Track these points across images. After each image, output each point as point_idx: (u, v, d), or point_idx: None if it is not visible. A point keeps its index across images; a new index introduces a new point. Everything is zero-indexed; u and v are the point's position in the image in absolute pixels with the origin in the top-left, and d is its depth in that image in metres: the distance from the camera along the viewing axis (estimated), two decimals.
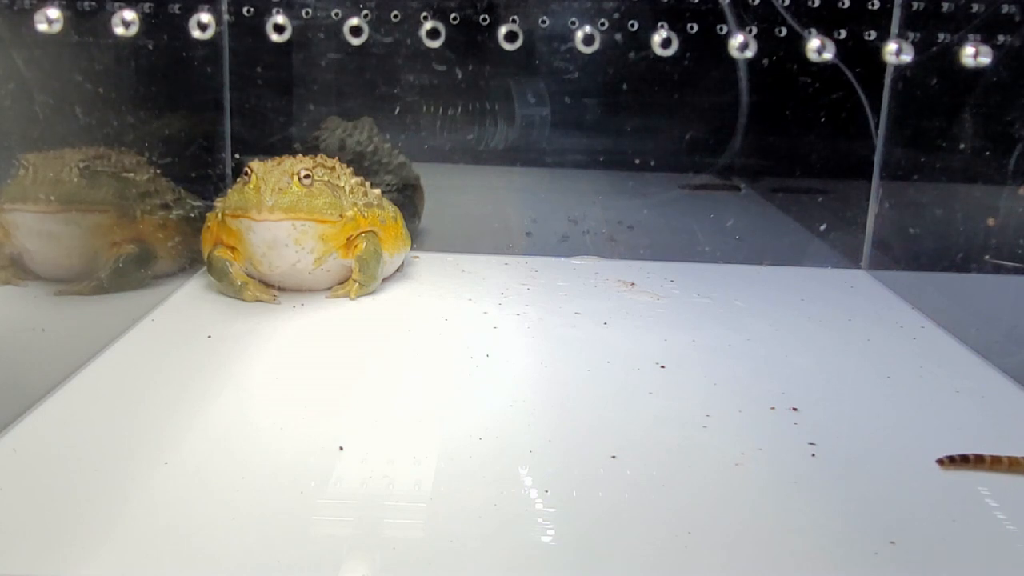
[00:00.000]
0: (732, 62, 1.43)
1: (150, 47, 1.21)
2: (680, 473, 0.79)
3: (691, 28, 1.35)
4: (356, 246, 1.21)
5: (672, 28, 1.30)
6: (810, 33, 1.31)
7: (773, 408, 0.93)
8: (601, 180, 1.57)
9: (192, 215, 1.27)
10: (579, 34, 1.31)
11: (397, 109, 1.50)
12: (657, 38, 1.28)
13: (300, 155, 1.22)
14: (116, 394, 0.92)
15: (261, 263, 1.18)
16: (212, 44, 1.36)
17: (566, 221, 1.55)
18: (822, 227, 1.51)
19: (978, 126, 1.27)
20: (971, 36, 1.18)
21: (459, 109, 1.51)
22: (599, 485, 0.77)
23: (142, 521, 0.69)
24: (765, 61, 1.39)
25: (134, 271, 1.16)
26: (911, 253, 1.41)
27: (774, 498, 0.76)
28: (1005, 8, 1.18)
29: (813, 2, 1.35)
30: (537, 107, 1.52)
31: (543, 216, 1.58)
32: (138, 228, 1.18)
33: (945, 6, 1.28)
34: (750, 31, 1.34)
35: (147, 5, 1.22)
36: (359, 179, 1.26)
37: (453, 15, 1.37)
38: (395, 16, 1.38)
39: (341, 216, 1.18)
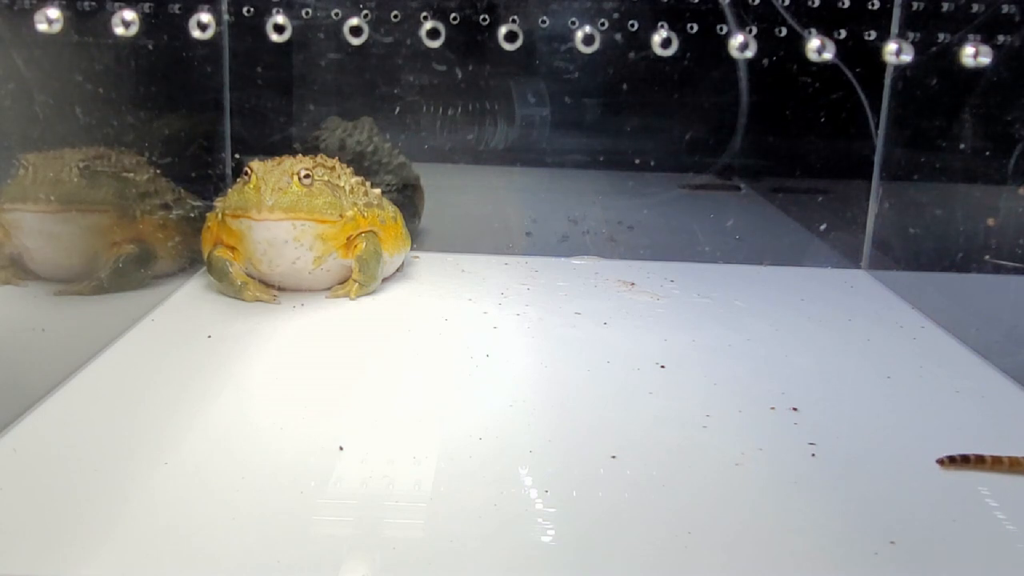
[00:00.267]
0: (732, 62, 1.43)
1: (150, 47, 1.21)
2: (680, 473, 0.79)
3: (691, 28, 1.35)
4: (356, 246, 1.21)
5: (672, 28, 1.30)
6: (810, 33, 1.31)
7: (773, 408, 0.93)
8: (601, 180, 1.57)
9: (192, 215, 1.27)
10: (579, 34, 1.31)
11: (397, 109, 1.50)
12: (657, 38, 1.28)
13: (300, 155, 1.22)
14: (116, 394, 0.92)
15: (261, 263, 1.18)
16: (212, 44, 1.36)
17: (566, 221, 1.55)
18: (822, 227, 1.51)
19: (978, 126, 1.27)
20: (971, 36, 1.18)
21: (459, 109, 1.51)
22: (599, 485, 0.77)
23: (142, 521, 0.69)
24: (765, 61, 1.40)
25: (134, 271, 1.16)
26: (911, 253, 1.41)
27: (774, 498, 0.76)
28: (1005, 8, 1.18)
29: (813, 2, 1.35)
30: (537, 107, 1.52)
31: (543, 216, 1.58)
32: (138, 228, 1.18)
33: (945, 6, 1.28)
34: (750, 31, 1.34)
35: (147, 5, 1.22)
36: (359, 179, 1.26)
37: (453, 15, 1.37)
38: (395, 16, 1.38)
39: (341, 216, 1.18)
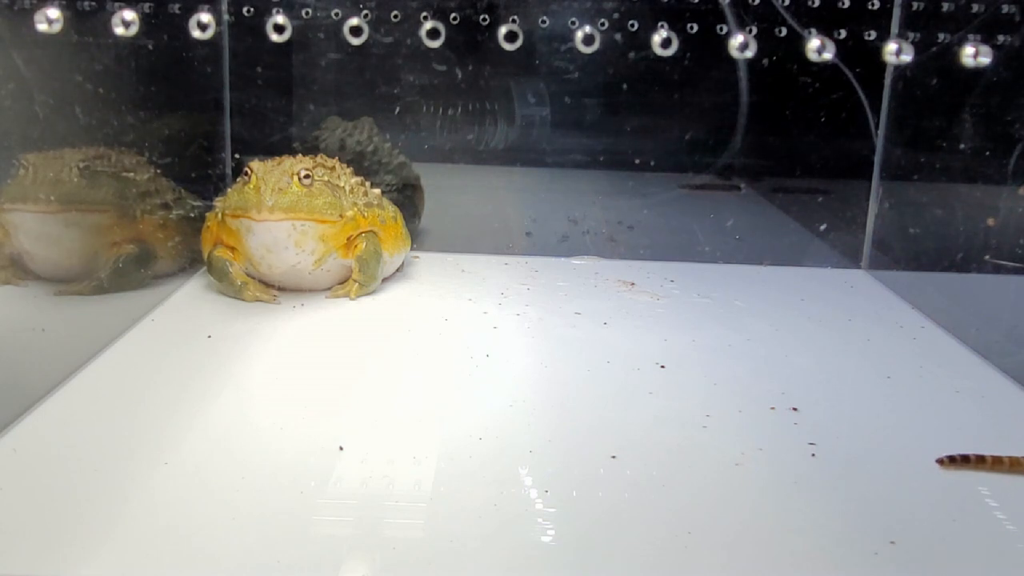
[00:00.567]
0: (732, 62, 1.43)
1: (150, 47, 1.21)
2: (680, 473, 0.79)
3: (691, 28, 1.35)
4: (356, 246, 1.21)
5: (672, 28, 1.30)
6: (810, 33, 1.31)
7: (773, 408, 0.93)
8: (601, 180, 1.57)
9: (192, 215, 1.27)
10: (579, 34, 1.31)
11: (397, 109, 1.50)
12: (657, 38, 1.28)
13: (300, 155, 1.22)
14: (116, 394, 0.92)
15: (261, 263, 1.18)
16: (212, 44, 1.36)
17: (566, 221, 1.55)
18: (822, 227, 1.51)
19: (978, 126, 1.27)
20: (971, 36, 1.18)
21: (459, 109, 1.51)
22: (599, 485, 0.77)
23: (142, 521, 0.69)
24: (765, 61, 1.40)
25: (134, 271, 1.16)
26: (911, 253, 1.41)
27: (774, 498, 0.76)
28: (1005, 8, 1.18)
29: (813, 2, 1.35)
30: (537, 107, 1.52)
31: (543, 216, 1.58)
32: (138, 228, 1.18)
33: (945, 6, 1.28)
34: (750, 31, 1.34)
35: (147, 5, 1.22)
36: (359, 179, 1.26)
37: (453, 15, 1.37)
38: (395, 16, 1.38)
39: (341, 216, 1.18)
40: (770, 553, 0.68)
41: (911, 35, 1.33)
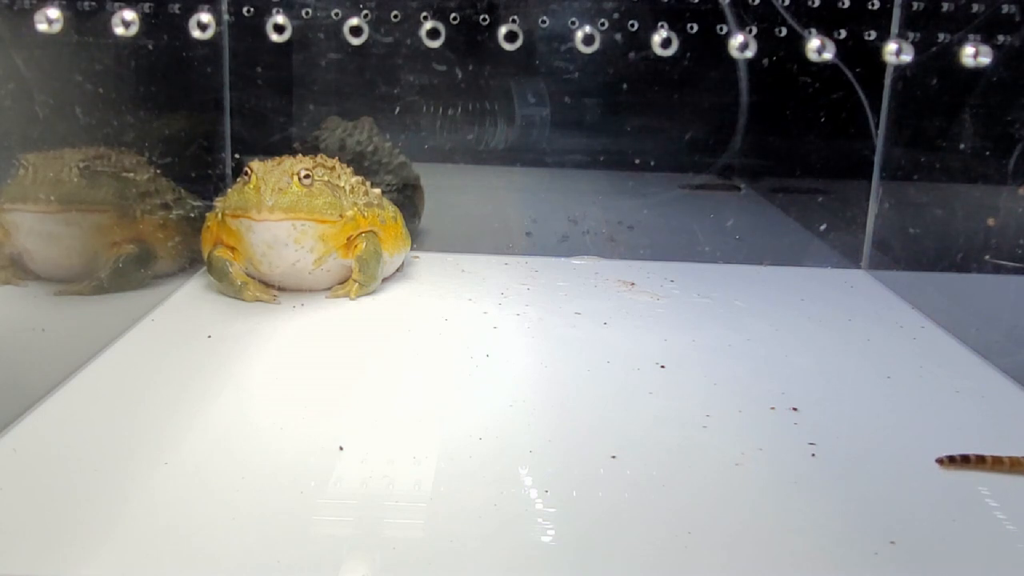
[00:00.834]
0: (732, 62, 1.43)
1: (150, 47, 1.21)
2: (680, 473, 0.79)
3: (691, 28, 1.35)
4: (356, 246, 1.21)
5: (672, 28, 1.30)
6: (810, 33, 1.31)
7: (773, 408, 0.93)
8: (601, 180, 1.57)
9: (192, 215, 1.27)
10: (579, 34, 1.31)
11: (397, 109, 1.50)
12: (657, 38, 1.28)
13: (300, 155, 1.22)
14: (116, 394, 0.92)
15: (261, 263, 1.18)
16: (212, 44, 1.36)
17: (566, 221, 1.55)
18: (822, 227, 1.51)
19: (978, 126, 1.27)
20: (971, 36, 1.18)
21: (459, 109, 1.51)
22: (599, 485, 0.77)
23: (142, 521, 0.69)
24: (765, 61, 1.39)
25: (134, 271, 1.16)
26: (911, 253, 1.41)
27: (774, 498, 0.76)
28: (1005, 8, 1.18)
29: (813, 2, 1.35)
30: (537, 107, 1.52)
31: (543, 216, 1.58)
32: (138, 228, 1.18)
33: (945, 6, 1.28)
34: (750, 31, 1.34)
35: (147, 5, 1.22)
36: (359, 179, 1.26)
37: (453, 15, 1.37)
38: (395, 16, 1.38)
39: (341, 216, 1.18)
40: (770, 553, 0.68)
41: (911, 35, 1.33)
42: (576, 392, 0.96)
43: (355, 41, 1.34)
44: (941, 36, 1.27)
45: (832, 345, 1.13)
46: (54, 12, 1.01)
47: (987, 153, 1.25)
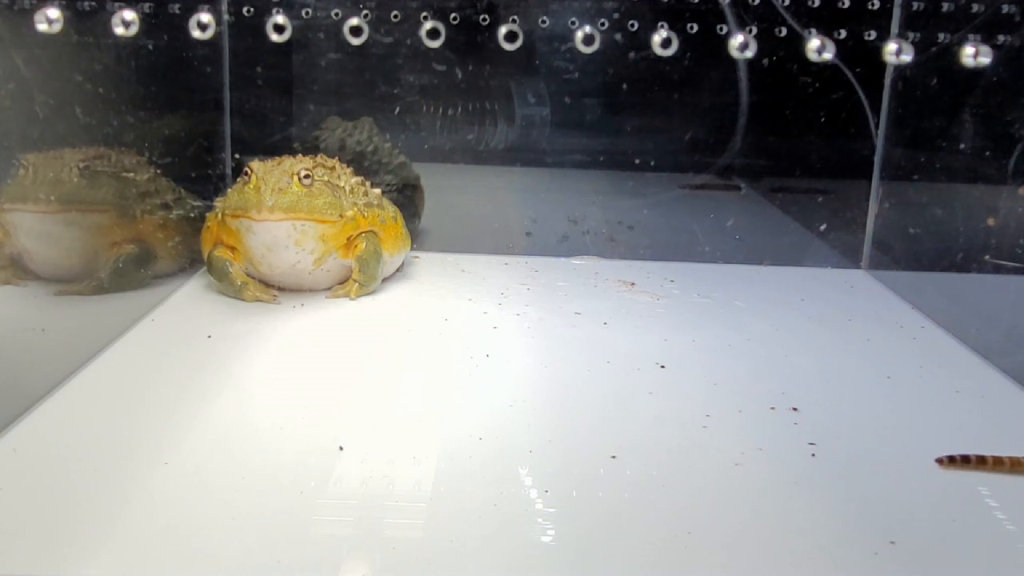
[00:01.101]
0: (732, 62, 1.43)
1: (150, 47, 1.21)
2: (680, 473, 0.79)
3: (691, 28, 1.35)
4: (356, 246, 1.21)
5: (672, 28, 1.30)
6: (810, 33, 1.31)
7: (773, 408, 0.93)
8: (601, 180, 1.57)
9: (192, 215, 1.27)
10: (579, 34, 1.31)
11: (397, 109, 1.50)
12: (657, 38, 1.28)
13: (300, 155, 1.22)
14: (116, 394, 0.92)
15: (261, 263, 1.18)
16: (212, 44, 1.36)
17: (566, 221, 1.55)
18: (822, 227, 1.51)
19: (978, 126, 1.27)
20: (971, 36, 1.18)
21: (459, 109, 1.51)
22: (599, 485, 0.77)
23: (142, 521, 0.69)
24: (765, 61, 1.39)
25: (134, 271, 1.16)
26: (911, 253, 1.41)
27: (774, 498, 0.76)
28: (1005, 8, 1.18)
29: (813, 2, 1.35)
30: (537, 107, 1.52)
31: (543, 216, 1.58)
32: (138, 228, 1.18)
33: (945, 6, 1.28)
34: (750, 31, 1.34)
35: (147, 5, 1.22)
36: (359, 179, 1.26)
37: (453, 15, 1.37)
38: (395, 16, 1.38)
39: (341, 216, 1.18)
40: (770, 553, 0.68)
41: (911, 35, 1.33)
42: (576, 392, 0.96)
43: (355, 41, 1.34)
44: (941, 36, 1.27)
45: (832, 345, 1.13)
46: (54, 12, 1.01)
47: (987, 153, 1.25)
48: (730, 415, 0.91)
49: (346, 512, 0.71)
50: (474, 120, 1.52)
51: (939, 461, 0.82)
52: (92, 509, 0.70)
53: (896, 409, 0.95)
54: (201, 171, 1.41)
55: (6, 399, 0.85)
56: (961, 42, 1.16)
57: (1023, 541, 0.71)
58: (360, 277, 1.22)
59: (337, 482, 0.76)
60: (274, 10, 1.33)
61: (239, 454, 0.79)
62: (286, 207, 1.13)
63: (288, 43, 1.37)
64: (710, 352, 1.08)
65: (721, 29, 1.35)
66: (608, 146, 1.54)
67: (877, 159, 1.45)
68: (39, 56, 1.04)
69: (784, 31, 1.35)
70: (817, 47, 1.19)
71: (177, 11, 1.24)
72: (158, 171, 1.24)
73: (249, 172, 1.15)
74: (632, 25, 1.37)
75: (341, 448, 0.81)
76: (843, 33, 1.35)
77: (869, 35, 1.36)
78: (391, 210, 1.31)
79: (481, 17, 1.37)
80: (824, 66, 1.35)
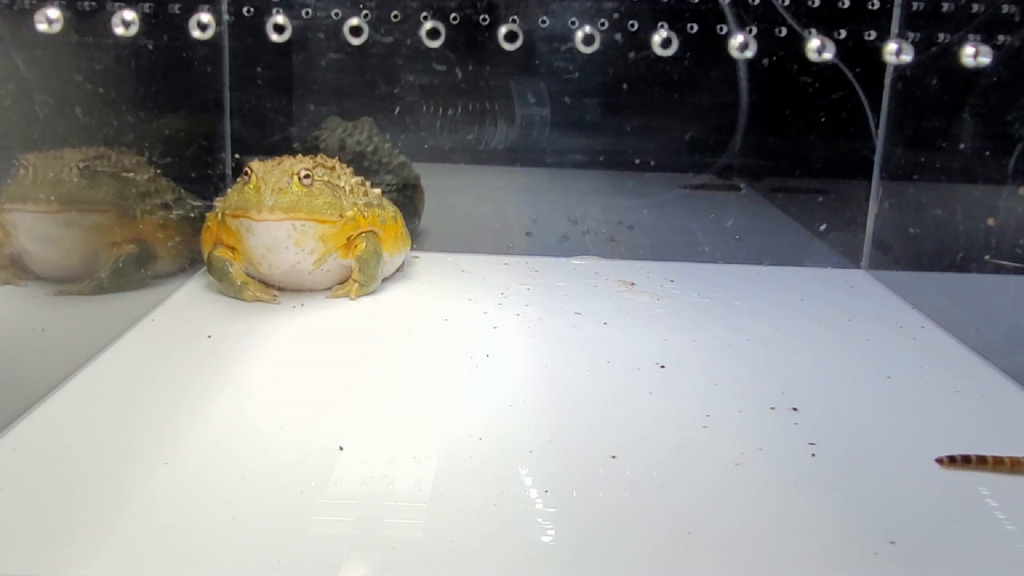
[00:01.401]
0: (732, 62, 1.43)
1: (150, 47, 1.21)
2: (680, 473, 0.79)
3: (691, 28, 1.35)
4: (356, 246, 1.21)
5: (672, 28, 1.30)
6: (810, 33, 1.31)
7: (773, 408, 0.93)
8: (601, 180, 1.57)
9: (192, 215, 1.27)
10: (579, 34, 1.31)
11: (397, 109, 1.50)
12: (657, 38, 1.28)
13: (300, 155, 1.22)
14: (116, 394, 0.92)
15: (261, 263, 1.18)
16: (212, 44, 1.36)
17: (566, 221, 1.55)
18: (822, 227, 1.51)
19: (978, 126, 1.27)
20: (971, 36, 1.18)
21: (459, 109, 1.51)
22: (599, 485, 0.77)
23: (142, 521, 0.69)
24: (765, 61, 1.39)
25: (134, 271, 1.16)
26: (911, 253, 1.41)
27: (774, 498, 0.76)
28: (1005, 8, 1.18)
29: (813, 2, 1.35)
30: (537, 107, 1.52)
31: (543, 216, 1.58)
32: (138, 228, 1.18)
33: (945, 6, 1.28)
34: (750, 31, 1.34)
35: (147, 5, 1.22)
36: (359, 179, 1.26)
37: (453, 15, 1.36)
38: (395, 16, 1.38)
39: (341, 216, 1.18)
40: (770, 553, 0.68)
41: (911, 35, 1.33)
42: (576, 392, 0.96)
43: (355, 41, 1.34)
44: (941, 36, 1.27)
45: (832, 345, 1.13)
46: (54, 12, 1.01)
47: (987, 153, 1.25)
48: (730, 415, 0.91)
49: (346, 512, 0.71)
50: (474, 120, 1.52)
51: (939, 461, 0.82)
52: (92, 509, 0.70)
53: (896, 409, 0.95)
54: (201, 171, 1.41)
55: (6, 399, 0.85)
56: (961, 42, 1.16)
57: (1023, 541, 0.71)
58: (360, 277, 1.22)
59: (337, 482, 0.76)
60: (274, 10, 1.33)
61: (239, 454, 0.79)
62: (286, 207, 1.13)
63: (288, 43, 1.37)
64: (710, 352, 1.08)
65: (721, 29, 1.35)
66: (608, 146, 1.54)
67: (877, 159, 1.45)
68: (39, 56, 1.04)
69: (784, 31, 1.35)
70: (817, 47, 1.19)
71: (177, 11, 1.24)
72: (158, 171, 1.24)
73: (249, 172, 1.15)
74: (632, 25, 1.37)
75: (341, 448, 0.81)
76: (843, 33, 1.35)
77: (869, 35, 1.36)
78: (391, 210, 1.31)
79: (481, 17, 1.37)
80: (824, 66, 1.35)
